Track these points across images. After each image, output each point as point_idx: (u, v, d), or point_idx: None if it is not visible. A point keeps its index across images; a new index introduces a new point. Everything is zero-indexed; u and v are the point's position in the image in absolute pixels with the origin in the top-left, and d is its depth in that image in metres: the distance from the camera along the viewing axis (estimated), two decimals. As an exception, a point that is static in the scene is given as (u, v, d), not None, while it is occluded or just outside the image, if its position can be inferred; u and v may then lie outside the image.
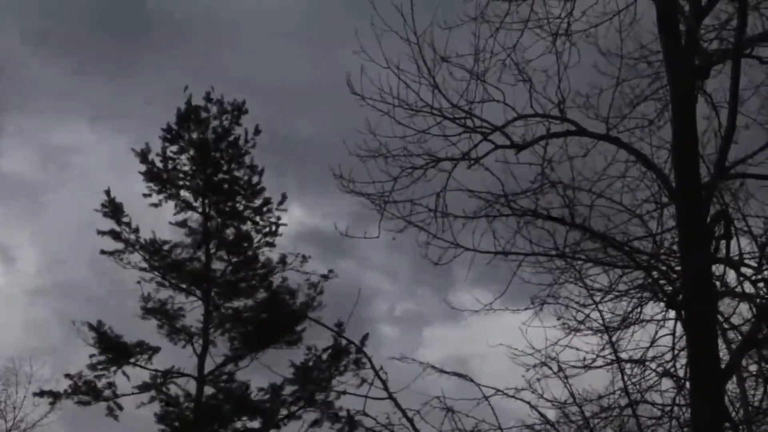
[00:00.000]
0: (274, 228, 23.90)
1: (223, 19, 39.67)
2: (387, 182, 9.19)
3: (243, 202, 23.95)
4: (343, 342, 22.02)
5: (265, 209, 23.96)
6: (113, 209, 23.24)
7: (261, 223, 23.92)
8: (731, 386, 10.06)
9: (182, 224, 23.73)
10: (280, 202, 24.01)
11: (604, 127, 9.16)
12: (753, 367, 10.35)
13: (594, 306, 10.10)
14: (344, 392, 21.46)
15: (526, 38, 9.36)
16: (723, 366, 8.73)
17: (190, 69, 38.30)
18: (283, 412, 22.84)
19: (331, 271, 23.63)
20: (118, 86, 41.66)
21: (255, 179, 24.06)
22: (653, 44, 9.39)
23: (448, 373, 9.56)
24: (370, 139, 9.14)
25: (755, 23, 9.11)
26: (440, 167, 9.20)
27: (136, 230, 23.27)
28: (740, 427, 9.70)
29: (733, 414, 9.84)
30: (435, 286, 25.71)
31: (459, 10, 9.22)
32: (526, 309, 10.00)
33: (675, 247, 9.72)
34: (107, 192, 23.30)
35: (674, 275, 9.60)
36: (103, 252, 23.17)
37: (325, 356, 23.01)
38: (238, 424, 22.87)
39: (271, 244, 23.90)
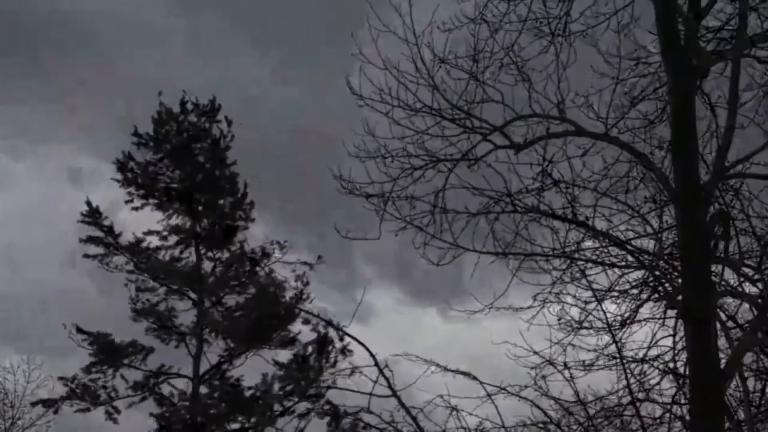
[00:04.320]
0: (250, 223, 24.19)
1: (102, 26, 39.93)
2: (386, 183, 9.22)
3: (228, 199, 24.12)
4: (329, 332, 22.25)
5: (244, 204, 24.16)
6: (92, 214, 23.42)
7: (243, 218, 24.13)
8: (733, 386, 10.06)
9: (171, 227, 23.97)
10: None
11: (603, 127, 9.15)
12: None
13: (596, 305, 10.14)
14: (349, 390, 21.47)
15: (524, 38, 9.37)
16: (724, 366, 8.72)
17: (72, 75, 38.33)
18: (278, 408, 22.95)
19: (320, 257, 23.78)
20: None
21: (227, 172, 24.27)
22: (652, 44, 9.40)
23: (451, 371, 9.58)
24: (369, 140, 9.17)
25: (755, 23, 9.13)
26: (440, 168, 9.20)
27: (113, 232, 23.46)
28: (742, 426, 9.70)
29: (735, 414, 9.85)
30: (340, 286, 25.89)
31: (457, 10, 9.25)
32: (528, 308, 10.04)
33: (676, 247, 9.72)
34: (88, 202, 23.60)
35: (675, 275, 9.59)
36: (86, 256, 23.43)
37: (311, 348, 23.12)
38: (234, 423, 22.95)
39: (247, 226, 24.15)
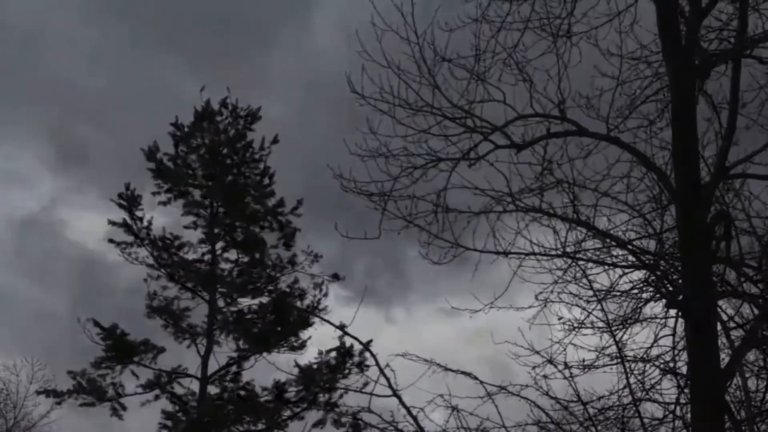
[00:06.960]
0: (287, 231, 24.01)
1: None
2: (387, 182, 9.22)
3: (253, 204, 24.03)
4: (348, 343, 22.14)
5: (278, 211, 24.03)
6: (129, 201, 23.27)
7: (272, 224, 24.01)
8: (733, 386, 10.06)
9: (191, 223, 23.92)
10: (295, 207, 24.10)
11: (605, 128, 9.16)
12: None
13: (597, 304, 10.14)
14: (349, 389, 21.52)
15: (526, 38, 9.37)
16: (724, 366, 8.73)
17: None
18: (287, 413, 22.92)
19: (335, 275, 23.69)
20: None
21: (265, 181, 24.17)
22: (653, 45, 9.41)
23: (452, 370, 9.59)
24: (370, 139, 9.18)
25: (756, 24, 9.13)
26: (440, 167, 9.21)
27: (149, 225, 23.39)
28: (743, 426, 9.69)
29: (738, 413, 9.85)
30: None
31: (459, 10, 9.25)
32: (530, 307, 10.05)
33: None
34: (127, 185, 23.49)
35: (676, 275, 9.60)
36: (111, 241, 23.30)
37: (329, 357, 23.08)
38: (242, 425, 22.90)
39: (288, 245, 24.03)
